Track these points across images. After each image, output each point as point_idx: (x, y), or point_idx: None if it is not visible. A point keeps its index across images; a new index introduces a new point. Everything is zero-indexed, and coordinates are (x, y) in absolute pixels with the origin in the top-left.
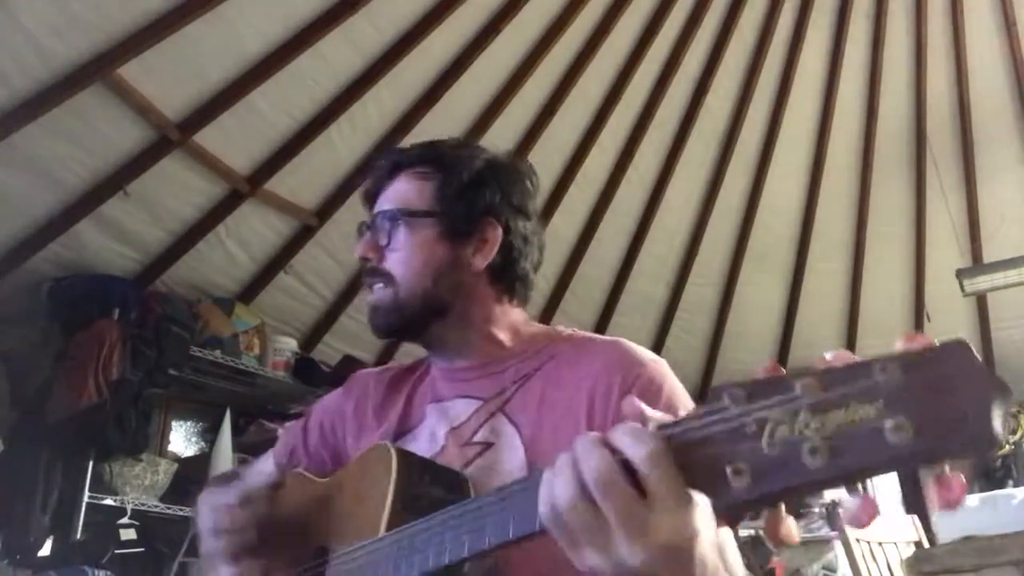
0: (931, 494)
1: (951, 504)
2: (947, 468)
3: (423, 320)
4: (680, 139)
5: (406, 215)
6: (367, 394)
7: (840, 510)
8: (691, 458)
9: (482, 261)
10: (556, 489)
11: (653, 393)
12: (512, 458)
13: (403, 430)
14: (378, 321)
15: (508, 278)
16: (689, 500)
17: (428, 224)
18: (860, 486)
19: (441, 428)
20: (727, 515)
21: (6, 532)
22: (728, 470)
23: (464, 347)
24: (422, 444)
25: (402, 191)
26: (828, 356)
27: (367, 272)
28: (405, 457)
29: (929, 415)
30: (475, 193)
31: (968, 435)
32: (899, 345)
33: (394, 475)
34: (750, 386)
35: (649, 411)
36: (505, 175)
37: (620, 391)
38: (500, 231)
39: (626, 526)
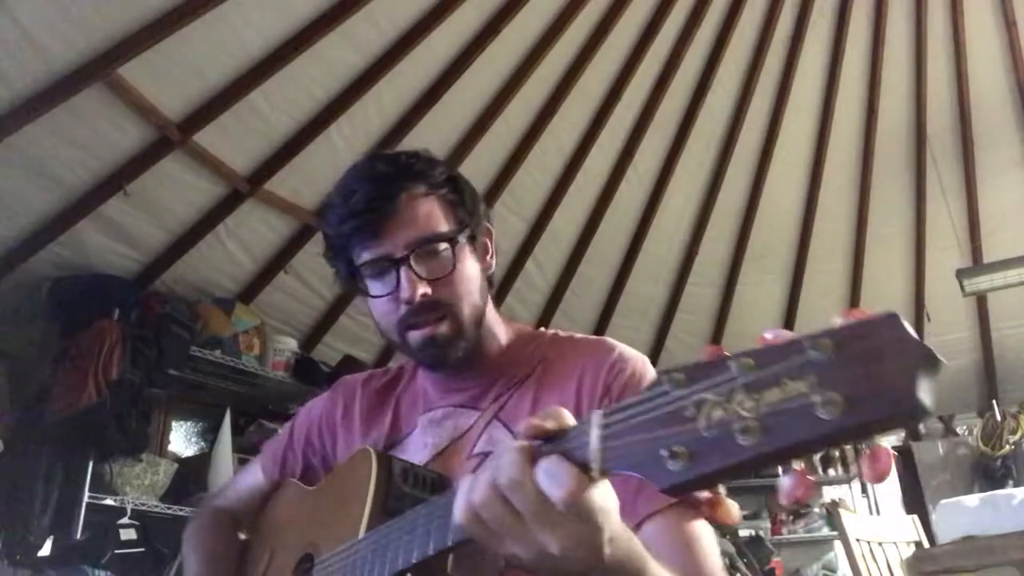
0: (861, 466)
1: (879, 476)
2: (878, 439)
3: (477, 337)
4: (680, 139)
5: (449, 239)
6: (355, 402)
7: (778, 490)
8: (630, 442)
9: (492, 266)
10: (473, 492)
11: (634, 388)
12: None
13: (393, 440)
14: (441, 353)
15: (491, 279)
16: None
17: (463, 241)
18: (796, 463)
19: (436, 438)
20: (671, 494)
21: (6, 532)
22: (664, 453)
23: (472, 355)
24: (414, 455)
25: (424, 215)
26: (768, 335)
27: (422, 309)
28: (386, 461)
29: (859, 389)
30: (473, 200)
31: (896, 407)
32: (836, 321)
33: (374, 478)
34: (690, 369)
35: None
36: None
37: (604, 386)
38: (492, 232)
39: (537, 520)
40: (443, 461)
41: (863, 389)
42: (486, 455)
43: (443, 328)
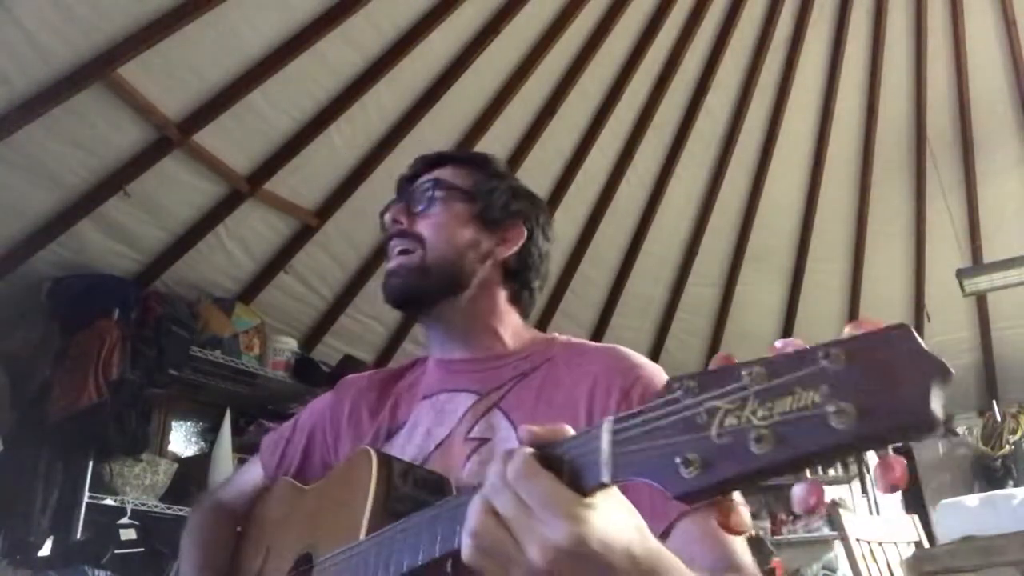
0: (875, 476)
1: (893, 486)
2: (890, 451)
3: (440, 291)
4: (680, 139)
5: (447, 187)
6: (361, 399)
7: (792, 497)
8: (643, 449)
9: (503, 253)
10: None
11: (652, 394)
12: None
13: (393, 428)
14: (397, 283)
15: (519, 282)
16: (576, 509)
17: (464, 201)
18: (808, 472)
19: (435, 423)
20: (683, 501)
21: (6, 532)
22: (677, 460)
23: (467, 335)
24: (414, 440)
25: (445, 172)
26: (778, 344)
27: (395, 235)
28: (385, 461)
29: (871, 400)
30: (512, 194)
31: (908, 419)
32: (846, 331)
33: (374, 480)
34: (702, 376)
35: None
36: (536, 197)
37: (620, 392)
38: (524, 233)
39: (549, 511)
40: (441, 445)
41: (876, 400)
42: (483, 440)
43: (406, 260)
